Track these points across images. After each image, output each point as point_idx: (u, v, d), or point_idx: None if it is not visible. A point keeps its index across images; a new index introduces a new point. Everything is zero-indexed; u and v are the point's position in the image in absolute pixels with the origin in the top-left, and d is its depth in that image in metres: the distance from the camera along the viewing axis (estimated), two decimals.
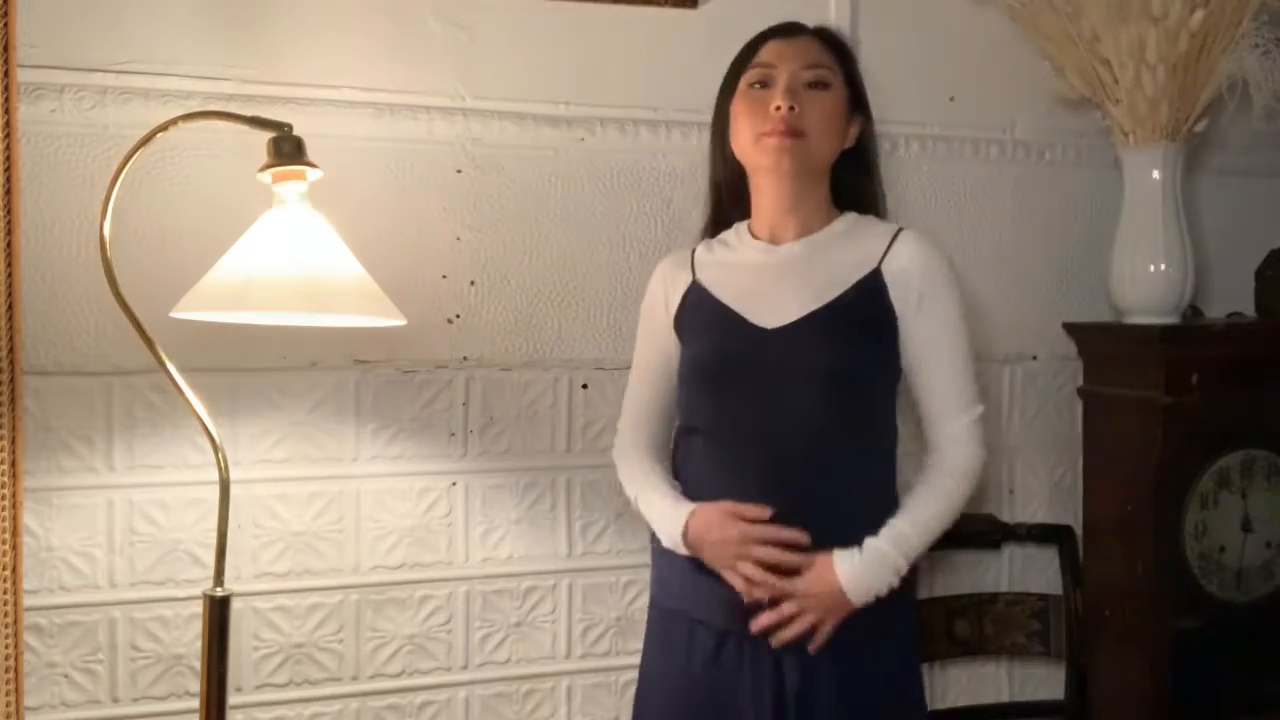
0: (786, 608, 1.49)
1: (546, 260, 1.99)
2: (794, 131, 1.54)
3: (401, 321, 1.62)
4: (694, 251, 1.70)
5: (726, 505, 1.52)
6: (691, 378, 1.62)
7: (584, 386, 2.01)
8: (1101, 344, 2.25)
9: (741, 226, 1.68)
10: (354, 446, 1.89)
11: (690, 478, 1.63)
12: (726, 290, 1.62)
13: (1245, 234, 2.41)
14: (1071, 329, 2.28)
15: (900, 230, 1.60)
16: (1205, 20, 1.96)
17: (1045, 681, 2.28)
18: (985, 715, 2.23)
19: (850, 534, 1.51)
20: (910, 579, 1.58)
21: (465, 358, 1.95)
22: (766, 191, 1.62)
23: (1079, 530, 2.23)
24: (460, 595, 1.96)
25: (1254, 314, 2.36)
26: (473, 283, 1.95)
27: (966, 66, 2.21)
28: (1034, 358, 2.29)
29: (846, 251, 1.59)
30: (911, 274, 1.56)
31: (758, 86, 1.58)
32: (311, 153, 1.58)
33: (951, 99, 2.21)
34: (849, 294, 1.55)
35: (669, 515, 1.58)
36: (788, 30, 1.63)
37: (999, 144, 2.25)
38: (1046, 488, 2.31)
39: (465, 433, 1.95)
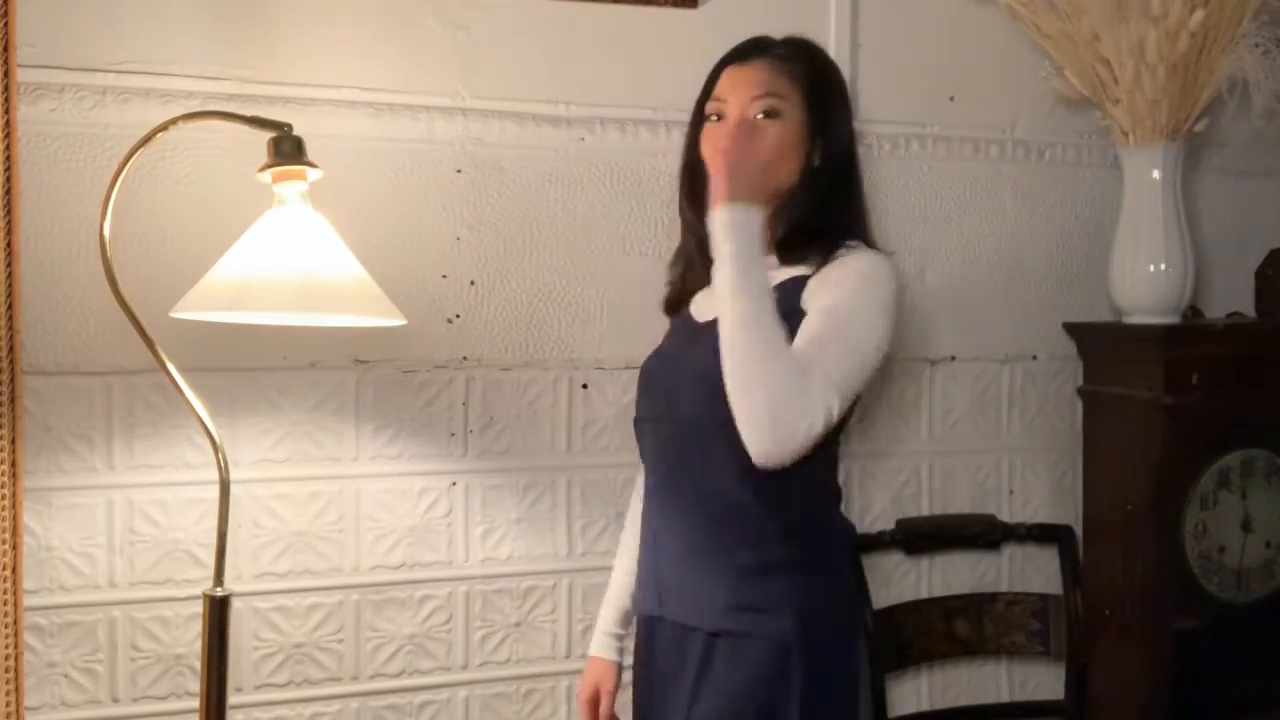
0: None
1: (546, 260, 1.99)
2: None
3: (401, 321, 1.62)
4: None
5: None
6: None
7: (584, 386, 2.01)
8: (1101, 344, 2.25)
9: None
10: (354, 446, 1.89)
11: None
12: None
13: (1245, 234, 2.41)
14: (1071, 329, 2.28)
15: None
16: (1205, 20, 1.97)
17: (1045, 681, 2.28)
18: (985, 715, 2.23)
19: None
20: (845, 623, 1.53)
21: (465, 358, 1.95)
22: None
23: (1079, 530, 2.24)
24: (460, 595, 1.96)
25: (1254, 314, 2.36)
26: (473, 283, 1.95)
27: (966, 66, 2.21)
28: (1034, 358, 2.29)
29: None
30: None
31: (714, 119, 1.55)
32: (311, 153, 1.58)
33: (951, 99, 2.21)
34: None
35: None
36: (742, 54, 1.57)
37: (999, 144, 2.25)
38: (1046, 488, 2.31)
39: (465, 433, 1.95)
